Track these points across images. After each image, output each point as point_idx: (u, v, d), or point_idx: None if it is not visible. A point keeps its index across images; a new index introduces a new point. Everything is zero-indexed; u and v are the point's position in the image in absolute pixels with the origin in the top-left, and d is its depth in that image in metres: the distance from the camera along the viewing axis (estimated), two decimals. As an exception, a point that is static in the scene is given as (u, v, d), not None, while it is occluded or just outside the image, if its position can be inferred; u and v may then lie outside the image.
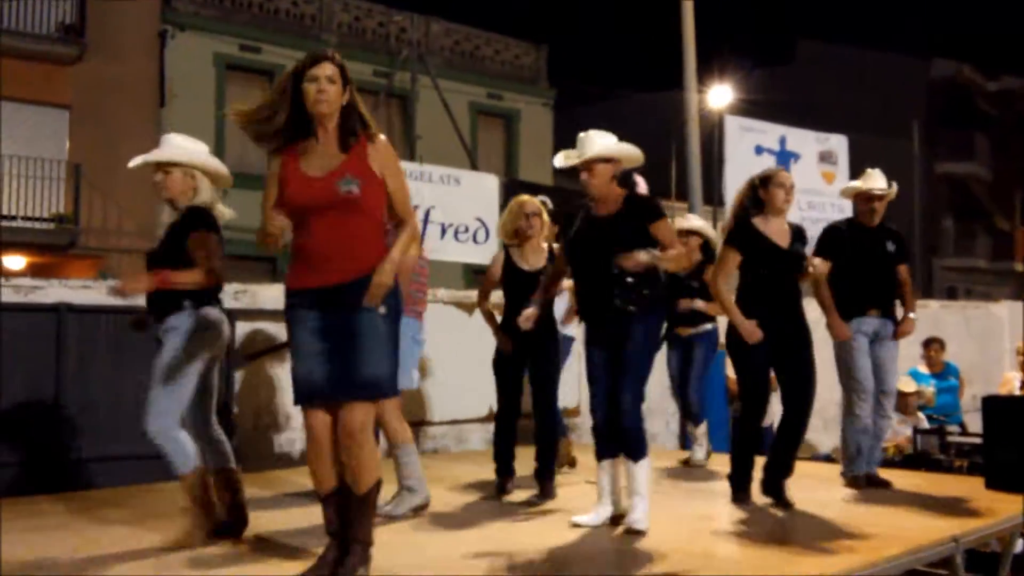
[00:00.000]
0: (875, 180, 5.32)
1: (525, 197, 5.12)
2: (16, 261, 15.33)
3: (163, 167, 4.00)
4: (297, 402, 3.26)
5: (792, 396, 4.73)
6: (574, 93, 23.95)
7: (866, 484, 5.21)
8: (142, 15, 16.41)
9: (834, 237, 5.31)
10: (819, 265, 4.79)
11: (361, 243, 3.20)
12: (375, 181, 3.24)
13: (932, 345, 8.81)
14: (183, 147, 4.09)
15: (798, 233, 4.76)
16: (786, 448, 4.76)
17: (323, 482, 3.31)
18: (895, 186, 5.35)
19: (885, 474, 5.46)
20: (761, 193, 4.72)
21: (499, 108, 21.03)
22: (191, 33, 17.00)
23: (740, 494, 4.78)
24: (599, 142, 4.19)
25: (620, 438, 4.16)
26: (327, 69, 3.21)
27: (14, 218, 14.85)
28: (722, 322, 6.23)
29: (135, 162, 4.06)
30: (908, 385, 7.86)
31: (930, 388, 8.34)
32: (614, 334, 4.11)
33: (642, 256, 3.98)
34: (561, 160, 4.29)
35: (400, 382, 4.47)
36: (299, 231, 3.22)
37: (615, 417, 4.13)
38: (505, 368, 5.09)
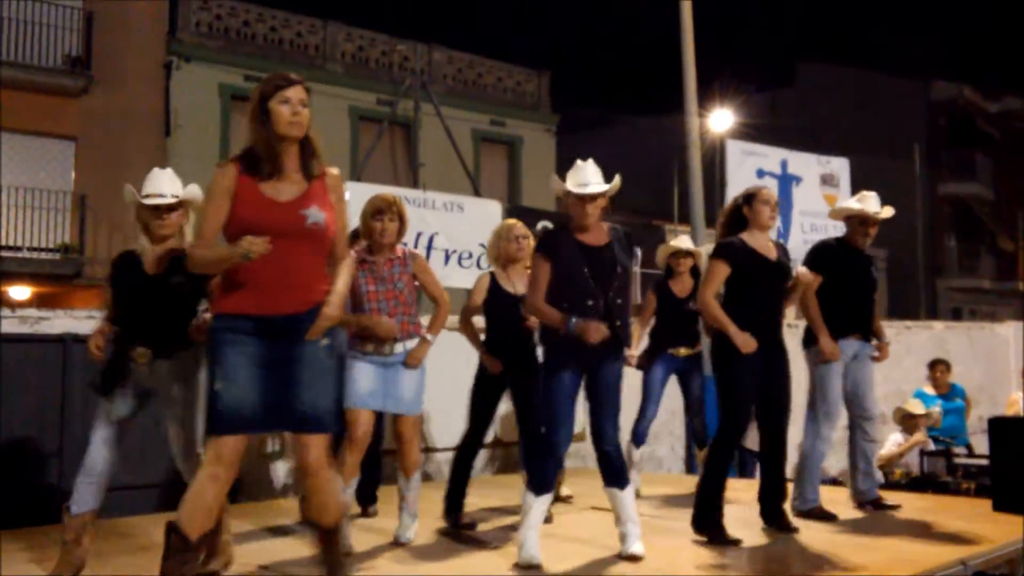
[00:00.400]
0: (873, 203, 5.28)
1: (513, 221, 5.21)
2: (21, 292, 15.39)
3: (177, 204, 3.99)
4: (219, 430, 3.03)
5: (771, 417, 4.67)
6: (576, 119, 24.08)
7: (828, 513, 5.04)
8: (147, 47, 16.57)
9: (826, 254, 5.26)
10: (805, 274, 4.80)
11: (316, 274, 3.16)
12: (332, 213, 3.19)
13: (937, 366, 8.78)
14: (188, 188, 4.09)
15: (783, 249, 4.80)
16: (776, 471, 4.72)
17: (206, 522, 3.06)
18: (889, 210, 5.31)
19: (891, 497, 5.44)
20: (746, 211, 4.71)
21: (502, 135, 21.14)
22: (196, 64, 17.14)
23: (713, 531, 4.50)
24: (599, 174, 4.23)
25: (607, 466, 4.14)
26: (300, 92, 3.18)
27: (20, 248, 14.92)
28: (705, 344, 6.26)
29: (162, 200, 3.94)
30: (917, 407, 7.83)
31: (937, 409, 8.31)
32: (595, 363, 4.09)
33: None
34: (598, 188, 4.17)
35: (417, 407, 4.56)
36: None
37: (601, 445, 4.12)
38: (485, 392, 5.05)
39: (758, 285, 4.60)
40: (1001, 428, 5.48)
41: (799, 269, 4.85)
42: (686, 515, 4.61)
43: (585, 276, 4.07)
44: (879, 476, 5.43)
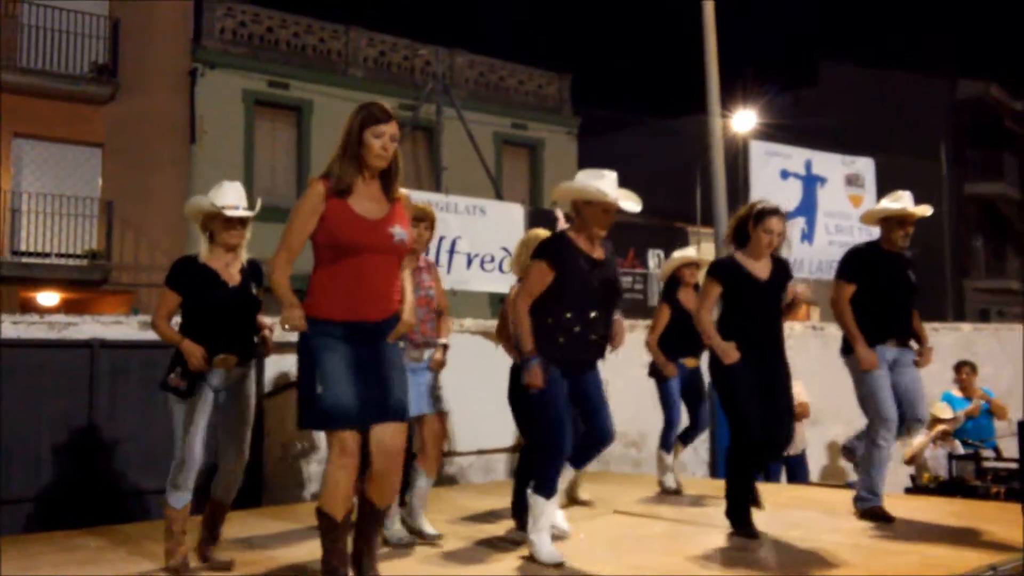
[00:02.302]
0: (908, 202, 5.11)
1: (540, 231, 5.12)
2: (50, 297, 15.58)
3: (243, 220, 4.17)
4: (333, 426, 3.37)
5: (766, 433, 4.60)
6: (598, 121, 24.04)
7: (887, 514, 4.96)
8: (173, 54, 16.74)
9: (859, 260, 5.14)
10: (803, 291, 4.80)
11: (396, 286, 3.54)
12: (410, 231, 3.57)
13: (963, 368, 8.67)
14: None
15: (781, 266, 4.80)
16: (748, 474, 4.79)
17: (347, 504, 3.42)
18: (928, 208, 5.15)
19: (920, 501, 5.37)
20: (750, 228, 4.71)
21: (523, 138, 21.16)
22: (221, 71, 17.29)
23: (744, 526, 4.63)
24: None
25: (590, 456, 4.40)
26: (394, 128, 3.46)
27: (48, 255, 15.12)
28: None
29: (243, 213, 4.13)
30: (944, 411, 7.74)
31: (961, 413, 8.22)
32: (579, 372, 4.20)
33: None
34: (634, 206, 4.24)
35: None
36: (340, 266, 3.40)
37: (599, 441, 4.30)
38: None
39: (748, 303, 4.68)
40: (1031, 431, 5.40)
41: (797, 287, 4.81)
42: (707, 518, 4.59)
43: (594, 287, 4.14)
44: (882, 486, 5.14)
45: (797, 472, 7.84)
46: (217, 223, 4.12)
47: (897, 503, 5.18)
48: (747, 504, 4.68)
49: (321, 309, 3.40)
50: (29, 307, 14.56)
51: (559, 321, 4.10)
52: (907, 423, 5.10)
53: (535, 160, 21.41)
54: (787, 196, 10.49)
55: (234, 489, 4.28)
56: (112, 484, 5.71)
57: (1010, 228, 29.98)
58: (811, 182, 10.79)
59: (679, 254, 6.35)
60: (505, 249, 8.41)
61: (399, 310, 3.51)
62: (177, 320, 4.22)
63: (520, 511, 4.95)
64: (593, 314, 4.13)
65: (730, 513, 4.69)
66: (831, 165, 10.89)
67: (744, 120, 18.21)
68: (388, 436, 3.42)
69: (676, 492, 6.14)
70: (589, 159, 22.64)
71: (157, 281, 15.85)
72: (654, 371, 6.21)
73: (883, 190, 10.54)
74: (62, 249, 15.26)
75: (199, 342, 4.02)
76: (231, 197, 4.11)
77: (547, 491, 4.13)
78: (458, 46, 20.52)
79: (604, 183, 4.17)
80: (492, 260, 8.29)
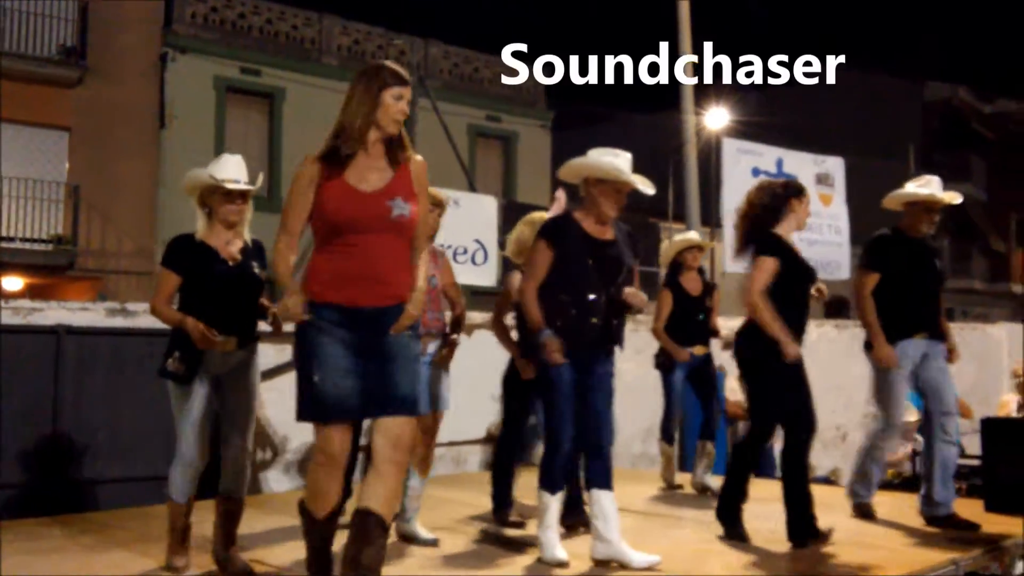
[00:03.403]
0: (937, 188, 4.85)
1: (542, 214, 4.89)
2: (14, 282, 15.34)
3: (244, 194, 3.94)
4: (329, 417, 3.07)
5: (803, 418, 4.38)
6: (572, 114, 24.06)
7: (867, 514, 4.94)
8: (143, 38, 16.52)
9: (883, 247, 4.79)
10: (823, 291, 4.57)
11: (401, 267, 3.16)
12: (415, 203, 3.18)
13: None
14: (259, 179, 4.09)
15: None
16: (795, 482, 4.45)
17: (329, 503, 3.16)
18: (958, 196, 4.97)
19: (883, 497, 5.40)
20: (794, 203, 4.36)
21: (498, 130, 21.13)
22: (192, 56, 17.09)
23: (736, 529, 4.48)
24: None
25: (599, 467, 4.00)
26: (408, 93, 3.20)
27: (12, 239, 14.88)
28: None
29: (243, 186, 3.89)
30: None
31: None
32: (588, 361, 3.98)
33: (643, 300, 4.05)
34: (648, 187, 4.08)
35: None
36: (336, 245, 3.10)
37: (599, 444, 4.00)
38: (516, 390, 4.93)
39: (797, 287, 4.32)
40: (993, 429, 5.50)
41: (820, 286, 4.55)
42: (693, 512, 4.59)
43: (590, 269, 3.93)
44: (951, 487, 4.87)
45: (763, 465, 7.90)
46: (216, 197, 3.87)
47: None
48: (739, 505, 4.50)
49: (318, 293, 3.10)
50: (-8, 292, 14.33)
51: (555, 304, 3.92)
52: (936, 419, 4.76)
53: (509, 152, 21.39)
54: (758, 193, 10.56)
55: (242, 481, 3.99)
56: (78, 472, 5.63)
57: (976, 229, 30.45)
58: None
59: (681, 237, 6.21)
60: (478, 241, 8.40)
61: (407, 298, 3.15)
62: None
63: (500, 505, 4.92)
64: (591, 296, 3.92)
65: (723, 513, 4.53)
66: (802, 164, 10.97)
67: (717, 117, 18.29)
68: (393, 429, 3.07)
69: (678, 487, 6.04)
70: (563, 152, 22.68)
71: (124, 267, 15.78)
72: (660, 362, 6.03)
73: (852, 189, 10.70)
74: (27, 233, 15.03)
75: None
76: (231, 171, 3.89)
77: (551, 485, 3.96)
78: (433, 36, 20.45)
79: (620, 161, 4.00)
80: (465, 252, 8.28)
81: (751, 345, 4.34)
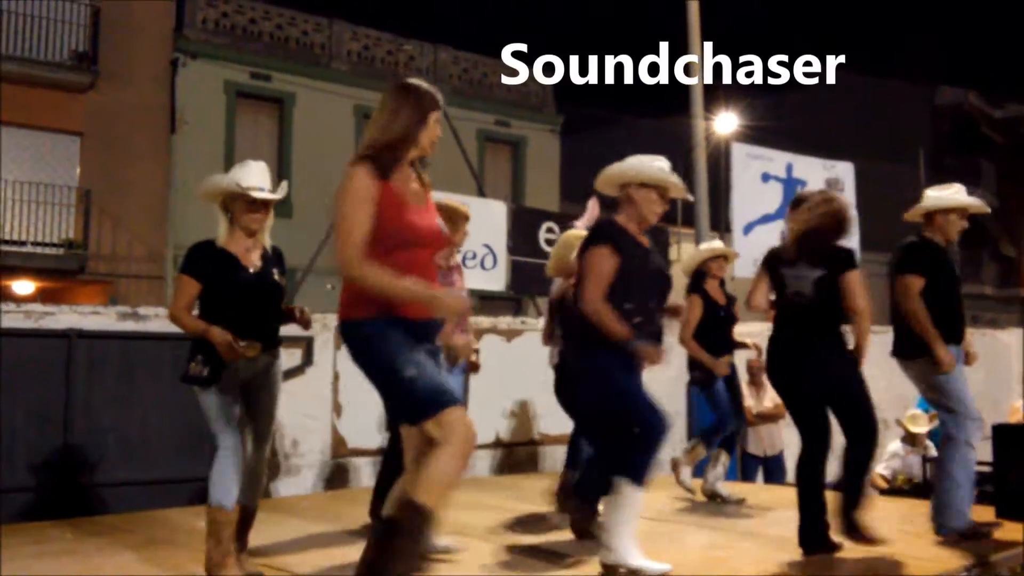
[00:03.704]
0: (966, 195, 4.91)
1: (580, 232, 4.83)
2: (25, 286, 15.42)
3: (266, 203, 3.89)
4: (444, 402, 2.90)
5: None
6: (581, 119, 24.08)
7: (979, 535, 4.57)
8: (154, 43, 16.60)
9: (926, 253, 4.73)
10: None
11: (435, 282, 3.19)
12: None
13: None
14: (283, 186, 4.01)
15: None
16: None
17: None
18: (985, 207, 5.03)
19: (894, 503, 5.38)
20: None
21: (506, 135, 21.15)
22: (202, 61, 17.17)
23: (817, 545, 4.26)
24: None
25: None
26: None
27: (24, 243, 14.95)
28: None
29: (268, 195, 3.84)
30: (918, 422, 7.77)
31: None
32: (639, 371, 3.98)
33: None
34: (689, 195, 4.19)
35: None
36: (401, 258, 2.99)
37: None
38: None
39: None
40: (1004, 435, 5.45)
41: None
42: (688, 517, 4.58)
43: (652, 277, 3.94)
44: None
45: (775, 473, 7.89)
46: (239, 205, 3.80)
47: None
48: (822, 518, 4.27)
49: (384, 307, 2.96)
50: (3, 295, 14.38)
51: (619, 313, 3.81)
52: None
53: (518, 157, 21.41)
54: (768, 199, 10.57)
55: (259, 489, 3.97)
56: (88, 476, 5.66)
57: (986, 234, 30.33)
58: (791, 185, 10.85)
59: (707, 246, 6.15)
60: (488, 246, 8.41)
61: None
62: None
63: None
64: (651, 304, 3.92)
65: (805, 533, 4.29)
66: (812, 169, 10.96)
67: (727, 122, 18.29)
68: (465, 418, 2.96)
69: (733, 500, 5.88)
70: (572, 157, 22.68)
71: (135, 272, 15.84)
72: (698, 378, 5.81)
73: (862, 194, 10.67)
74: (39, 237, 15.10)
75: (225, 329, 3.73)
76: (256, 178, 3.83)
77: (641, 480, 3.76)
78: (442, 42, 20.49)
79: (665, 167, 3.97)
80: (475, 257, 8.29)
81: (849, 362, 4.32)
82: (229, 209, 3.85)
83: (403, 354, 2.94)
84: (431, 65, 19.52)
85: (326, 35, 18.96)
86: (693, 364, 5.81)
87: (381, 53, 19.58)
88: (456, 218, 4.73)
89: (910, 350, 4.66)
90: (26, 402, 5.55)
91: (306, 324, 4.04)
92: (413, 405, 2.94)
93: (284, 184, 4.02)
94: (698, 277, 5.92)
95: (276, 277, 3.91)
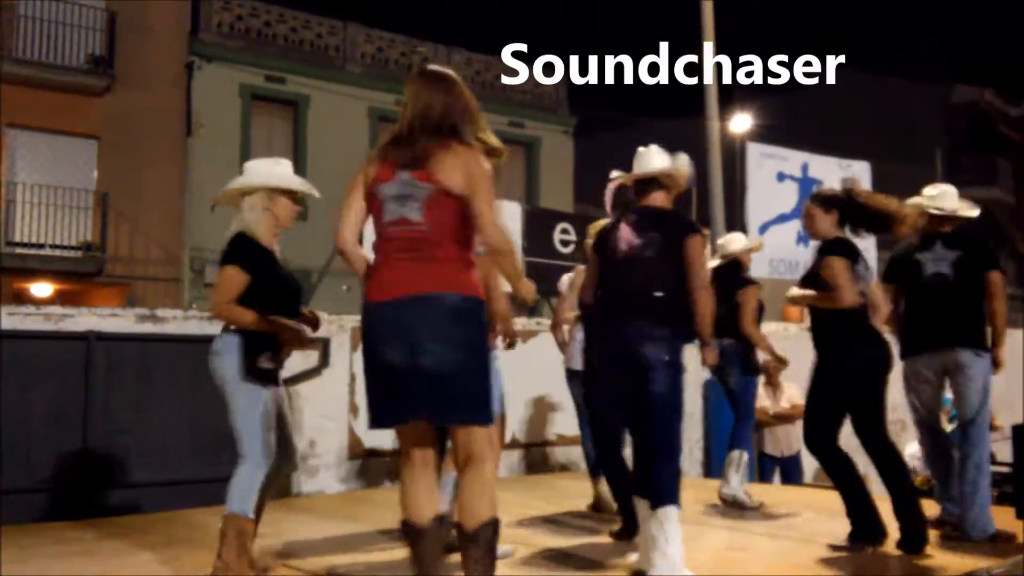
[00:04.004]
0: (956, 202, 5.00)
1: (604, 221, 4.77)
2: (43, 289, 15.54)
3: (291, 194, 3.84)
4: (385, 423, 3.02)
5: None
6: (595, 120, 24.05)
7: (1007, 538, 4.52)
8: (170, 47, 16.70)
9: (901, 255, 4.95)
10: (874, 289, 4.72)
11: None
12: None
13: None
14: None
15: None
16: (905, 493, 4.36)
17: (424, 508, 3.01)
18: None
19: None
20: (857, 205, 4.50)
21: (520, 136, 21.15)
22: (218, 64, 17.25)
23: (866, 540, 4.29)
24: (659, 160, 4.11)
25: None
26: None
27: (42, 246, 15.08)
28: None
29: (306, 187, 3.86)
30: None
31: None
32: None
33: None
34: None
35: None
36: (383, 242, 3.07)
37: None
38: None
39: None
40: (1024, 435, 5.41)
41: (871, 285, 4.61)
42: (705, 519, 4.57)
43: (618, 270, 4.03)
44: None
45: (791, 474, 7.86)
46: (284, 202, 3.78)
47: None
48: (873, 512, 4.31)
49: (371, 292, 3.00)
50: (22, 298, 14.52)
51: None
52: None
53: (532, 158, 21.41)
54: (783, 198, 10.54)
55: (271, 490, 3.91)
56: (107, 477, 5.69)
57: (1003, 233, 30.11)
58: (807, 185, 10.82)
59: (739, 240, 6.09)
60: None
61: None
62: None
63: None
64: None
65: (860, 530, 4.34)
66: (827, 168, 10.93)
67: (741, 122, 18.24)
68: (455, 441, 3.06)
69: (752, 505, 5.73)
70: (585, 158, 22.65)
71: (152, 274, 15.93)
72: (754, 367, 5.75)
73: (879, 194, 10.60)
74: (57, 240, 15.22)
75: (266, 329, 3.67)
76: (295, 179, 3.83)
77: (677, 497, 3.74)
78: (455, 43, 20.52)
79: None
80: (489, 258, 8.28)
81: (860, 359, 4.35)
82: (267, 206, 3.76)
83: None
84: (445, 66, 19.54)
85: (340, 37, 19.03)
86: (733, 357, 5.58)
87: (395, 55, 19.63)
88: None
89: (975, 342, 4.67)
90: (45, 403, 5.58)
91: (315, 325, 3.98)
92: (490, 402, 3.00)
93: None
94: (737, 268, 5.88)
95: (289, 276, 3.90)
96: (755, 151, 10.68)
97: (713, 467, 8.14)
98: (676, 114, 25.63)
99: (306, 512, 5.57)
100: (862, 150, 14.63)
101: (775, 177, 10.53)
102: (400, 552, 4.35)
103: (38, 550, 4.43)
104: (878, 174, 11.07)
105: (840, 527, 4.65)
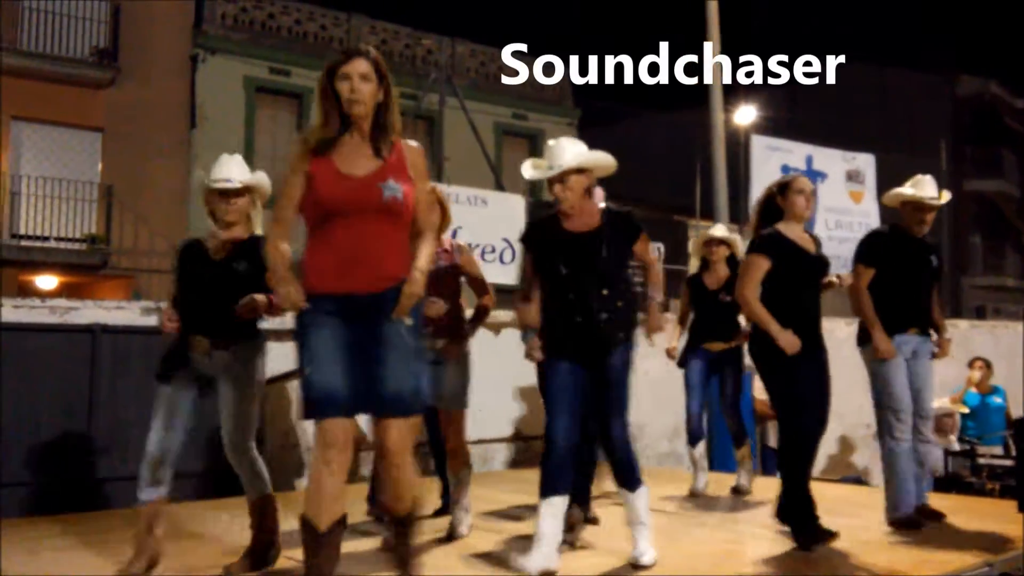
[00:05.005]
0: (927, 188, 4.85)
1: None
2: (48, 281, 15.58)
3: (243, 190, 3.91)
4: (317, 414, 2.93)
5: (807, 419, 4.29)
6: (598, 112, 24.00)
7: (919, 521, 4.67)
8: (174, 39, 16.70)
9: (879, 245, 4.88)
10: (845, 278, 4.69)
11: (395, 252, 3.04)
12: (411, 187, 3.07)
13: (976, 363, 8.67)
14: (256, 174, 4.02)
15: (818, 243, 4.53)
16: (800, 477, 4.33)
17: (332, 511, 2.93)
18: (947, 195, 4.91)
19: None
20: (780, 201, 4.44)
21: (524, 128, 21.13)
22: (222, 57, 17.26)
23: (806, 537, 4.26)
24: (571, 151, 3.88)
25: (614, 468, 3.89)
26: (361, 66, 3.05)
27: (47, 239, 15.11)
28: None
29: (228, 185, 3.86)
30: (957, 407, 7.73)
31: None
32: (591, 357, 3.83)
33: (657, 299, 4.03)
34: (530, 171, 3.99)
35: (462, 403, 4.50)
36: (326, 232, 3.00)
37: (605, 446, 3.88)
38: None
39: (798, 280, 4.33)
40: (1027, 429, 5.42)
41: (840, 274, 4.66)
42: (706, 514, 4.59)
43: (559, 266, 3.84)
44: (927, 482, 4.94)
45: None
46: (214, 198, 3.90)
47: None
48: (810, 503, 4.28)
49: (311, 282, 2.98)
50: (27, 290, 14.55)
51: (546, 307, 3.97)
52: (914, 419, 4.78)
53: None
54: (787, 191, 10.50)
55: (258, 480, 3.92)
56: (112, 469, 5.72)
57: (1008, 225, 30.03)
58: (812, 177, 10.78)
59: (710, 231, 6.17)
60: (506, 240, 8.42)
61: (408, 279, 3.01)
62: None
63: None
64: (576, 297, 3.91)
65: (790, 516, 4.32)
66: (832, 160, 10.93)
67: (745, 114, 18.19)
68: (387, 434, 2.99)
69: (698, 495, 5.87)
70: (590, 150, 22.60)
71: (156, 266, 15.93)
72: (682, 359, 6.00)
73: (883, 186, 10.59)
74: (61, 233, 15.26)
75: (183, 323, 3.80)
76: (222, 171, 3.88)
77: (540, 488, 3.80)
78: (460, 35, 20.49)
79: (549, 156, 3.93)
80: (493, 251, 8.32)
81: (759, 345, 4.35)
82: (209, 205, 3.95)
83: (309, 347, 3.00)
84: (449, 59, 19.52)
85: (344, 29, 19.01)
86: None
87: (399, 47, 19.61)
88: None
89: (860, 337, 4.83)
90: (51, 396, 5.61)
91: (275, 313, 3.78)
92: (304, 402, 3.03)
93: (260, 173, 4.00)
94: (700, 264, 6.11)
95: (238, 268, 3.81)
96: (759, 144, 10.67)
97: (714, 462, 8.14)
98: (680, 107, 25.58)
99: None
100: (867, 142, 14.62)
101: (779, 170, 10.51)
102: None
103: (45, 542, 4.46)
104: (882, 166, 11.05)
105: (840, 520, 4.68)
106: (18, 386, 5.46)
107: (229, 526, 4.64)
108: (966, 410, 7.92)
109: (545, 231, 3.96)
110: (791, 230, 4.42)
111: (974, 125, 28.62)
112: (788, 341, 4.18)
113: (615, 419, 3.83)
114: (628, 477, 3.88)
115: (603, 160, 3.91)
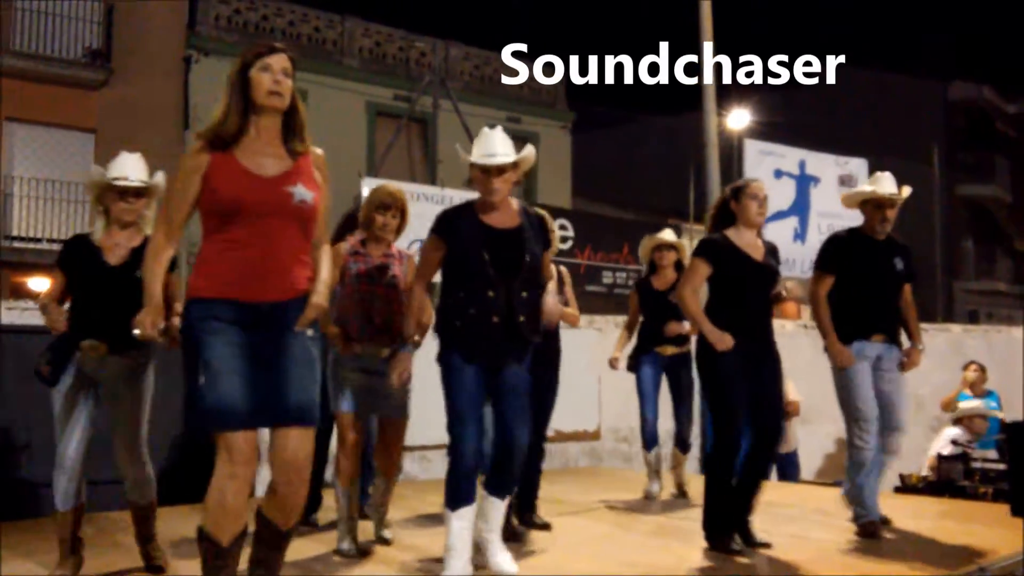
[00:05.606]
0: (885, 184, 4.70)
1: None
2: (41, 283, 15.51)
3: (144, 190, 3.83)
4: (216, 426, 2.75)
5: (758, 422, 4.23)
6: (593, 116, 24.04)
7: (879, 530, 4.60)
8: (167, 40, 16.67)
9: (836, 249, 4.71)
10: (792, 289, 4.68)
11: (299, 260, 2.92)
12: (319, 192, 2.95)
13: (971, 365, 8.68)
14: (156, 175, 3.95)
15: (772, 250, 4.42)
16: (752, 483, 4.30)
17: (236, 524, 2.78)
18: (907, 190, 4.72)
19: (908, 500, 5.37)
20: (733, 205, 4.36)
21: (518, 131, 21.11)
22: (215, 58, 17.22)
23: (719, 539, 4.24)
24: (508, 142, 3.74)
25: (495, 470, 3.70)
26: (284, 61, 2.92)
27: (39, 240, 15.06)
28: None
29: (129, 183, 3.79)
30: (980, 408, 7.72)
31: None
32: (501, 359, 3.62)
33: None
34: (505, 159, 3.68)
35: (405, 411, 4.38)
36: (229, 235, 2.84)
37: (505, 453, 3.62)
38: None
39: (741, 285, 4.26)
40: (1019, 433, 5.44)
41: (785, 284, 4.55)
42: (693, 517, 4.56)
43: (484, 262, 3.57)
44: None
45: (788, 470, 7.88)
46: (111, 196, 3.78)
47: (885, 502, 5.18)
48: (727, 513, 4.26)
49: (206, 287, 2.82)
50: (19, 292, 14.50)
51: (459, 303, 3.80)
52: (882, 432, 4.63)
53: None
54: (781, 195, 10.56)
55: (145, 491, 3.86)
56: (106, 471, 5.66)
57: (1000, 230, 30.15)
58: (805, 182, 10.85)
59: (657, 236, 6.15)
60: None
61: (309, 291, 2.89)
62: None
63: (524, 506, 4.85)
64: (490, 293, 3.68)
65: (707, 524, 4.30)
66: (825, 165, 10.97)
67: (739, 118, 18.22)
68: (286, 445, 2.81)
69: (653, 498, 5.88)
70: (584, 154, 22.66)
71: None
72: (631, 364, 5.97)
73: (876, 191, 10.63)
74: (54, 234, 15.20)
75: (73, 326, 3.67)
76: (122, 169, 3.78)
77: (447, 500, 3.65)
78: (454, 38, 20.51)
79: (482, 143, 3.77)
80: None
81: (698, 345, 4.31)
82: (103, 203, 3.84)
83: (205, 356, 2.80)
84: (443, 62, 19.53)
85: (338, 31, 19.00)
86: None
87: (393, 50, 19.61)
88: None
89: (825, 347, 4.69)
90: (45, 398, 5.56)
91: (170, 342, 3.69)
92: (196, 414, 2.85)
93: (160, 174, 3.90)
94: (647, 268, 6.14)
95: (139, 274, 3.41)
96: (753, 148, 10.71)
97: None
98: (674, 110, 25.65)
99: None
100: (859, 147, 14.65)
101: (772, 174, 10.56)
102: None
103: (35, 545, 4.43)
104: (875, 171, 11.06)
105: (834, 521, 4.69)
106: (12, 388, 5.43)
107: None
108: (1000, 414, 7.89)
109: (463, 222, 3.69)
110: (740, 235, 4.33)
111: (967, 130, 28.74)
112: (718, 338, 4.13)
113: (522, 427, 3.62)
114: (509, 485, 3.74)
115: (532, 156, 3.78)
